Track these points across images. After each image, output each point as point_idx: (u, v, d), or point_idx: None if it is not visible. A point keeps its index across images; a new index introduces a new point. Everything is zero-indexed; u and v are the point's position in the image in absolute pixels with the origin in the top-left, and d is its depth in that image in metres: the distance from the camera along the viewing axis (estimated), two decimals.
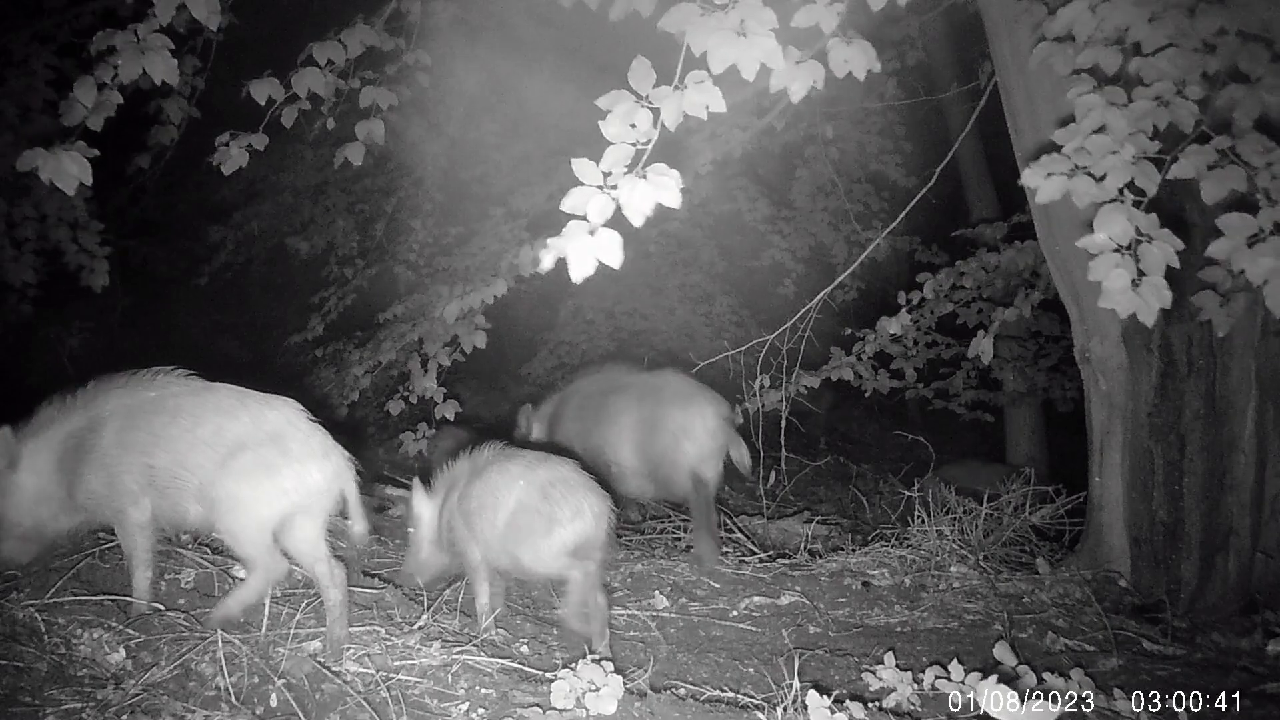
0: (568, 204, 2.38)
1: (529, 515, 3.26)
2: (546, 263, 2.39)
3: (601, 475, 3.80)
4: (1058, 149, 2.92)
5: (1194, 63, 2.90)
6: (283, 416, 3.23)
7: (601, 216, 2.35)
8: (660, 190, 2.39)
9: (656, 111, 2.45)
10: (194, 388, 3.29)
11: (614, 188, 2.38)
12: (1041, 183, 2.88)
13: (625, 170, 2.40)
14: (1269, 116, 2.90)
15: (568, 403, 5.51)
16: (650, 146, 2.43)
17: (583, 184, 2.39)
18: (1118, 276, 2.72)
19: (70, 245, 6.21)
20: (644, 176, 2.39)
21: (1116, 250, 2.74)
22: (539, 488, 3.29)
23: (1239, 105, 2.86)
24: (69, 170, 3.12)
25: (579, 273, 2.35)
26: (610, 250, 2.35)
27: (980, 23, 4.49)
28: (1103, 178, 2.81)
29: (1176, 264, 2.73)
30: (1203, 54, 2.91)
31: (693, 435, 4.70)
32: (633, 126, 2.43)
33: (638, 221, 2.38)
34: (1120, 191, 2.79)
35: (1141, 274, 2.72)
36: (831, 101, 7.16)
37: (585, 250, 2.34)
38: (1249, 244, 2.72)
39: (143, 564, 3.20)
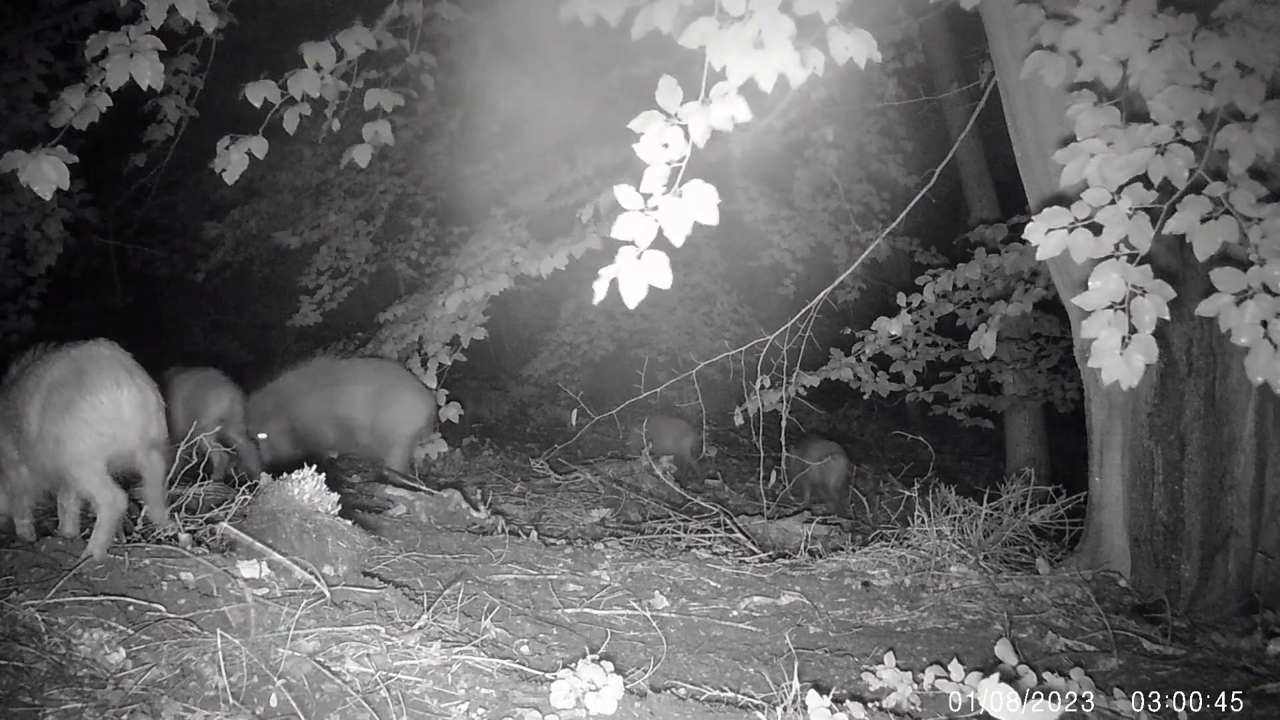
0: (618, 231, 2.39)
1: (60, 391, 3.45)
2: (600, 293, 2.42)
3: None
4: (1059, 197, 2.97)
5: (1192, 101, 2.93)
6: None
7: (647, 239, 2.37)
8: (698, 207, 2.39)
9: (687, 128, 2.45)
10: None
11: (654, 209, 2.38)
12: (1043, 239, 2.96)
13: (664, 189, 2.40)
14: (1264, 161, 2.93)
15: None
16: (684, 164, 2.43)
17: (626, 209, 2.39)
18: (1109, 337, 2.82)
19: (33, 233, 6.32)
20: (680, 195, 2.39)
21: (1109, 307, 2.83)
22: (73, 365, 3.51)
23: (1235, 151, 2.90)
24: (47, 175, 3.16)
25: (632, 299, 2.39)
26: (659, 273, 2.37)
27: (980, 23, 4.49)
28: (1100, 230, 2.88)
29: (1167, 316, 2.80)
30: (1201, 91, 2.93)
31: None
32: (665, 146, 2.43)
33: (678, 241, 2.38)
34: (1116, 247, 2.86)
35: (1133, 329, 2.79)
36: (832, 102, 7.16)
37: (637, 276, 2.36)
38: (1237, 301, 2.77)
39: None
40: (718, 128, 2.47)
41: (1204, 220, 2.86)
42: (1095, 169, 2.95)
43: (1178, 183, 2.90)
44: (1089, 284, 2.86)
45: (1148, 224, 2.86)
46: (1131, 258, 2.85)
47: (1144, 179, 2.91)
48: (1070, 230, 2.92)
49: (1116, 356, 2.80)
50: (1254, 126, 2.90)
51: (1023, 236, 3.06)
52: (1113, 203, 2.89)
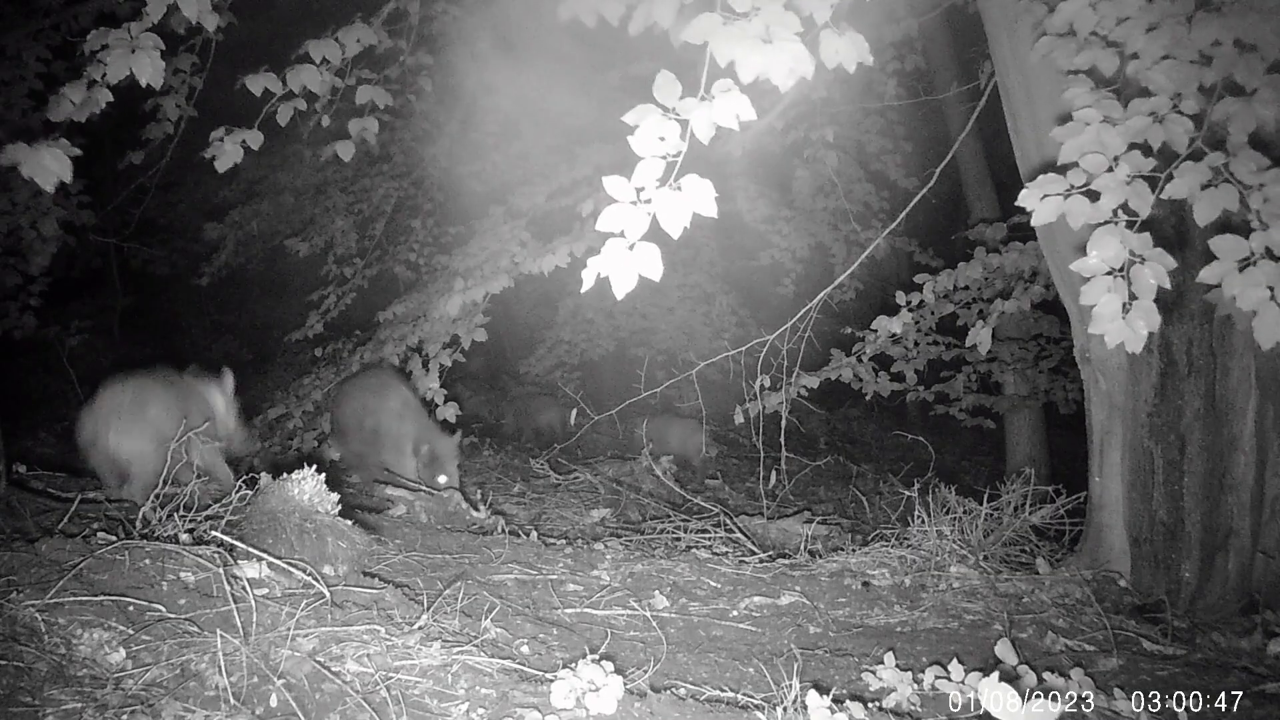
0: (604, 223, 2.39)
1: None
2: (589, 283, 2.43)
3: None
4: (1056, 167, 2.94)
5: (1190, 75, 2.91)
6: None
7: (638, 231, 2.38)
8: (696, 200, 2.40)
9: (684, 123, 2.44)
10: None
11: (647, 201, 2.39)
12: (1038, 204, 2.92)
13: (658, 184, 2.41)
14: (1264, 131, 2.91)
15: None
16: (681, 159, 2.44)
17: (616, 201, 2.40)
18: (1109, 302, 2.77)
19: (29, 232, 6.28)
20: (678, 188, 2.40)
21: (1109, 274, 2.79)
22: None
23: (1233, 120, 2.88)
24: (49, 166, 3.13)
25: (621, 289, 2.40)
26: (650, 264, 2.38)
27: (980, 23, 4.49)
28: (1098, 198, 2.84)
29: (1168, 284, 2.77)
30: (1199, 66, 2.92)
31: None
32: (661, 140, 2.43)
33: (675, 233, 2.39)
34: (1114, 212, 2.82)
35: (1133, 297, 2.75)
36: (832, 102, 7.17)
37: (626, 267, 2.37)
38: (1240, 268, 2.74)
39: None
40: (722, 124, 2.45)
41: (1204, 187, 2.84)
42: (1093, 136, 2.91)
43: (1178, 148, 2.87)
44: (1087, 249, 2.81)
45: (1147, 190, 2.83)
46: (1130, 224, 2.81)
47: (1142, 147, 2.88)
48: (1066, 196, 2.88)
49: (1119, 321, 2.75)
50: (1253, 99, 2.88)
51: (1016, 203, 3.01)
52: (1110, 170, 2.85)
